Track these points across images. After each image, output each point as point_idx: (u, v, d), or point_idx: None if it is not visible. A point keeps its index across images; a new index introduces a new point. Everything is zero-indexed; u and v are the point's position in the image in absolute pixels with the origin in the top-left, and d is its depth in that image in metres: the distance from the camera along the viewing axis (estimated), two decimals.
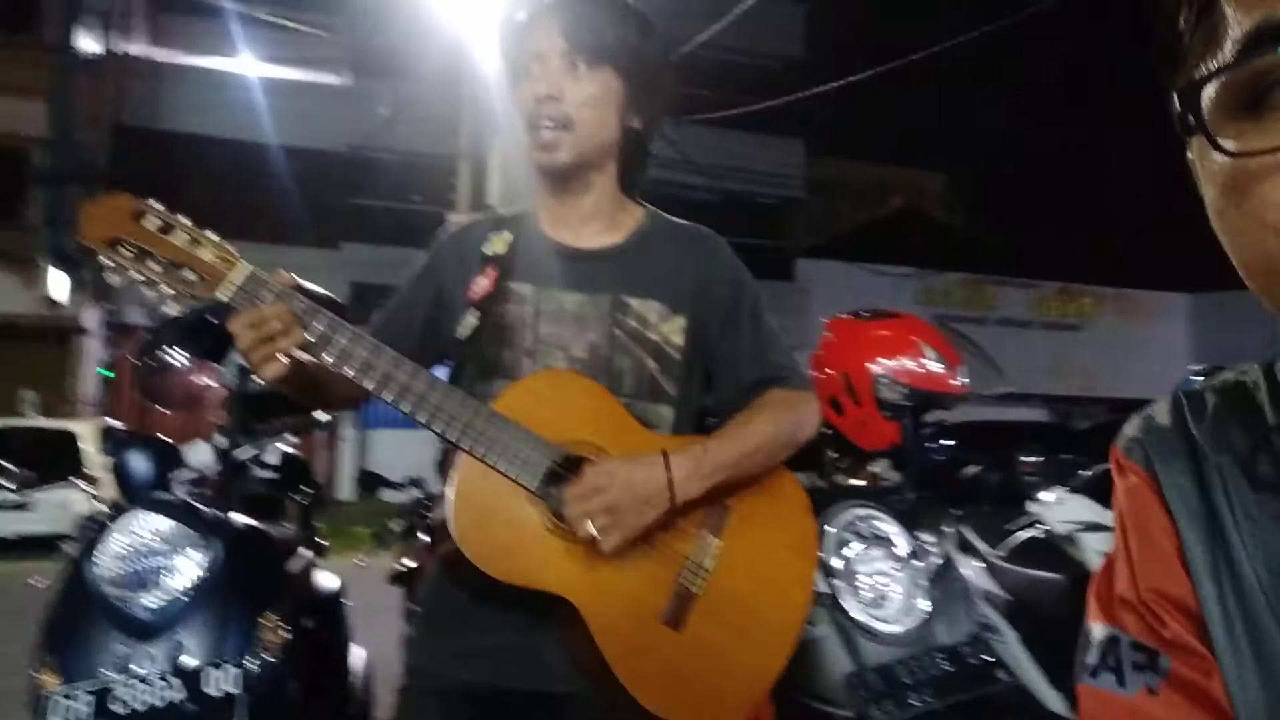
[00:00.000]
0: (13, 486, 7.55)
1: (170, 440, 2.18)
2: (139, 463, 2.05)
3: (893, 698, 1.78)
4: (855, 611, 1.90)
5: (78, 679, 1.68)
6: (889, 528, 1.98)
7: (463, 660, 1.33)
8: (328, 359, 1.24)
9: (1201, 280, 20.31)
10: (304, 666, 1.95)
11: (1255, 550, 0.52)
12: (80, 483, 8.77)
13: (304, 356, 1.25)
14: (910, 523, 2.02)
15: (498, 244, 1.44)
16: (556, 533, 1.27)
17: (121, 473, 2.05)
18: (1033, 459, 3.11)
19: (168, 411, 2.35)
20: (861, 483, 2.15)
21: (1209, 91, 0.46)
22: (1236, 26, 0.46)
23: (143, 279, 1.22)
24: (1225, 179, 0.47)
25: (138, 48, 15.53)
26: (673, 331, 1.41)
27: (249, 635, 1.81)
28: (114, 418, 10.99)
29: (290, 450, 2.77)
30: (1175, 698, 0.53)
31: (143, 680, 1.68)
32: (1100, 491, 2.87)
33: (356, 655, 2.80)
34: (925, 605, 1.93)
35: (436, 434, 1.26)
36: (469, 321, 1.39)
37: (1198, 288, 20.44)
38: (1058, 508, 2.75)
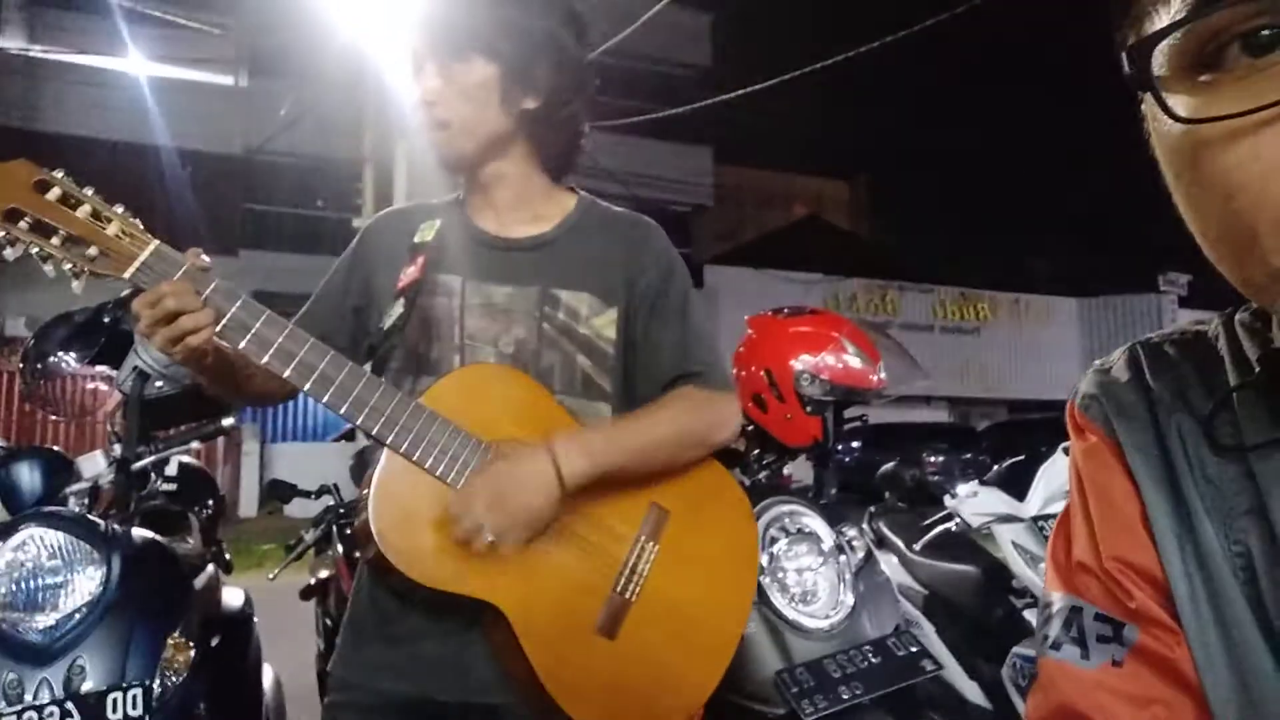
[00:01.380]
0: None
1: (61, 450, 2.04)
2: (26, 475, 1.91)
3: (822, 692, 1.78)
4: (783, 608, 1.90)
5: None
6: (814, 523, 1.99)
7: (390, 671, 1.27)
8: (241, 344, 1.16)
9: (1089, 285, 21.33)
10: (212, 687, 1.84)
11: (1216, 516, 0.51)
12: None
13: (216, 342, 1.17)
14: (834, 518, 2.04)
15: (426, 232, 1.39)
16: None
17: (6, 487, 1.91)
18: (938, 458, 3.17)
19: (58, 419, 2.20)
20: (785, 479, 2.16)
21: (1160, 49, 0.44)
22: None
23: (39, 253, 1.13)
24: (1178, 144, 0.45)
25: (12, 43, 14.71)
26: (604, 325, 1.36)
27: (153, 656, 1.70)
28: None
29: (192, 462, 2.63)
30: (1141, 670, 0.52)
31: (38, 710, 1.56)
32: (1011, 484, 2.96)
33: (266, 674, 2.68)
34: (850, 599, 1.95)
35: (358, 427, 1.19)
36: (394, 311, 1.34)
37: (1085, 292, 21.44)
38: (971, 501, 2.82)
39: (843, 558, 1.99)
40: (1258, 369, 0.52)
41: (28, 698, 1.57)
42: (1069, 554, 0.58)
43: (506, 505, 1.18)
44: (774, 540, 1.96)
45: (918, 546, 3.30)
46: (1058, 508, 2.67)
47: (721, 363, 1.44)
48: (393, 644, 1.28)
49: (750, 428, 2.18)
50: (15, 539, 1.72)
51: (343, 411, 1.18)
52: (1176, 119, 0.44)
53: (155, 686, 1.66)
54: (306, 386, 1.17)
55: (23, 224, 1.13)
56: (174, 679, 1.71)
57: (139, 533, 1.90)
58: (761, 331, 2.23)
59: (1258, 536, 0.49)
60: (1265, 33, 0.40)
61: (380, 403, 1.19)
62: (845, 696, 1.78)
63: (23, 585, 1.67)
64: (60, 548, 1.72)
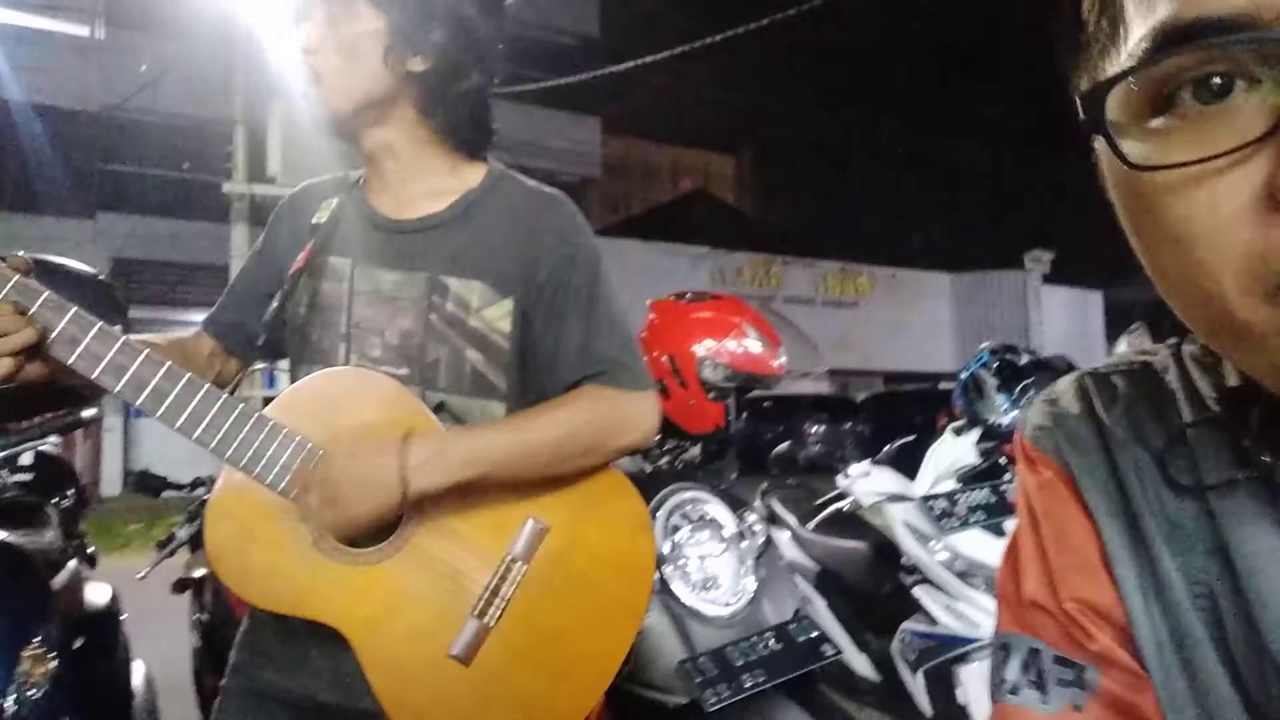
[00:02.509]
0: None
1: None
2: None
3: (725, 681, 1.77)
4: (685, 596, 1.88)
5: None
6: (715, 510, 1.98)
7: (279, 670, 1.22)
8: (71, 359, 1.04)
9: (961, 261, 22.24)
10: (78, 695, 1.71)
11: (1177, 557, 0.50)
12: None
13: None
14: (735, 503, 2.03)
15: (324, 212, 1.29)
16: (330, 554, 1.13)
17: None
18: (820, 429, 3.24)
19: None
20: (685, 466, 2.14)
21: (1114, 94, 0.43)
22: (1141, 23, 0.42)
23: None
24: (1132, 189, 0.44)
25: None
26: (498, 317, 1.23)
27: (7, 670, 1.56)
28: None
29: (48, 450, 2.44)
30: (1104, 715, 0.50)
31: None
32: (902, 463, 3.04)
33: (137, 671, 2.52)
34: (752, 585, 1.95)
35: (194, 441, 1.09)
36: (273, 302, 1.25)
37: (958, 267, 22.35)
38: (863, 480, 2.88)
39: (744, 544, 1.99)
40: (1216, 408, 0.51)
41: None
42: (1020, 591, 0.55)
43: (337, 502, 1.09)
44: (676, 528, 1.94)
45: (810, 524, 3.37)
46: (944, 487, 2.75)
47: (632, 358, 1.28)
48: (286, 643, 1.22)
49: None
50: None
51: (178, 426, 1.08)
52: (1131, 166, 0.42)
53: (10, 704, 1.53)
54: (139, 401, 1.06)
55: None
56: (33, 693, 1.57)
57: None
58: (664, 317, 2.20)
59: (1220, 577, 0.48)
60: (1217, 80, 0.39)
61: (208, 412, 1.09)
62: (748, 685, 1.78)
63: None
64: None
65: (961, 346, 20.97)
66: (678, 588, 1.89)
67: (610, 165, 21.35)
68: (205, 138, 11.68)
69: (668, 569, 1.90)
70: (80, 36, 13.10)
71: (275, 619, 1.21)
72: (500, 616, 1.16)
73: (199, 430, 1.08)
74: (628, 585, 1.24)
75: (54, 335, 1.03)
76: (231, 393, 1.22)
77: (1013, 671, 0.53)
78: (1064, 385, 0.59)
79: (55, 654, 1.65)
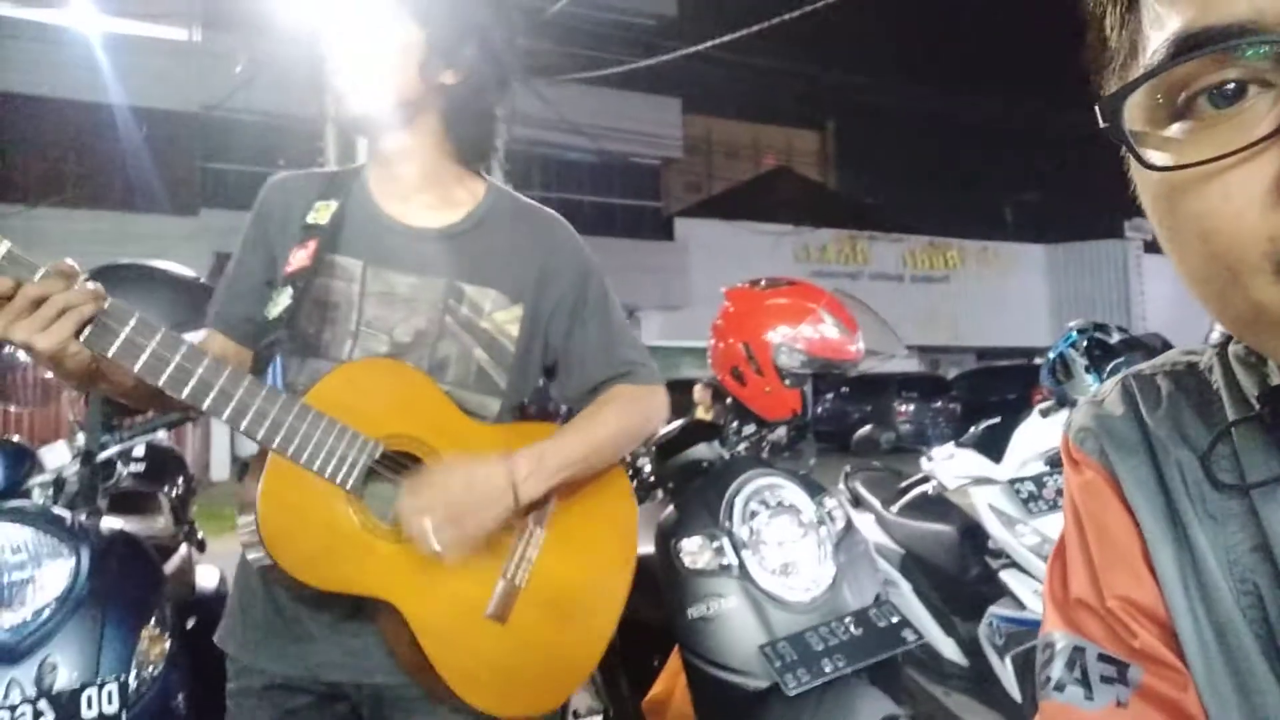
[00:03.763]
0: None
1: (23, 442, 1.99)
2: None
3: (805, 665, 1.78)
4: (764, 581, 1.89)
5: None
6: (794, 495, 1.98)
7: (275, 654, 1.28)
8: (111, 351, 1.07)
9: (1056, 232, 21.47)
10: (190, 675, 1.82)
11: (1221, 554, 0.50)
12: None
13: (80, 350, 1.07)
14: (813, 489, 2.03)
15: (322, 213, 1.32)
16: (375, 533, 1.21)
17: None
18: (910, 407, 3.21)
19: (18, 409, 2.14)
20: (764, 452, 2.15)
21: (1135, 100, 0.45)
22: (1159, 33, 0.44)
23: None
24: (1156, 191, 0.46)
25: None
26: (508, 321, 1.35)
27: (128, 649, 1.67)
28: None
29: (160, 442, 2.59)
30: (1147, 711, 0.51)
31: (9, 711, 1.54)
32: (986, 446, 2.98)
33: None
34: (831, 571, 1.95)
35: (242, 433, 1.14)
36: (281, 299, 1.28)
37: (1052, 239, 21.59)
38: (948, 463, 2.84)
39: (823, 529, 1.99)
40: (1258, 405, 0.51)
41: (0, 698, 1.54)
42: (1067, 590, 0.57)
43: (463, 521, 1.19)
44: (754, 514, 1.95)
45: (895, 507, 3.34)
46: (1031, 470, 2.70)
47: (646, 358, 1.47)
48: (283, 631, 1.28)
49: (729, 401, 2.17)
50: None
51: (225, 418, 1.13)
52: (1150, 167, 0.45)
53: (131, 681, 1.64)
54: (184, 394, 1.10)
55: None
56: (150, 671, 1.68)
57: (107, 523, 1.86)
58: (739, 304, 2.21)
59: (1265, 574, 0.49)
60: (1230, 85, 0.42)
61: (264, 406, 1.14)
62: (828, 669, 1.78)
63: None
64: (26, 543, 1.68)
65: (1058, 320, 20.30)
66: (756, 573, 1.90)
67: (691, 145, 21.25)
68: (298, 134, 12.06)
69: (746, 554, 1.92)
70: (178, 40, 13.66)
71: (273, 610, 1.28)
72: (527, 577, 1.29)
73: (246, 421, 1.13)
74: (621, 542, 1.43)
75: (117, 342, 1.06)
76: None
77: (1058, 669, 0.55)
78: (1109, 387, 0.60)
79: (169, 635, 1.77)
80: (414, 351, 1.29)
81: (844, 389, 15.48)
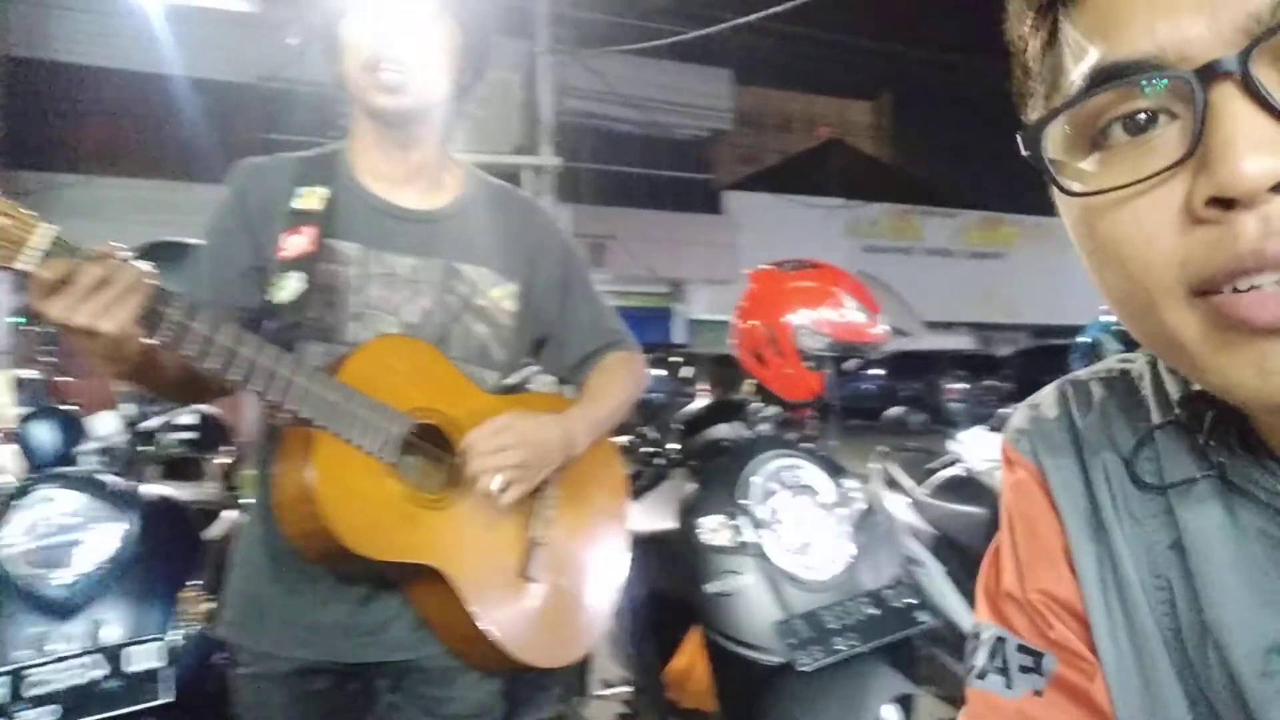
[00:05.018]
0: None
1: (75, 411, 2.09)
2: (44, 436, 1.96)
3: (819, 643, 1.82)
4: (781, 560, 1.93)
5: None
6: (813, 476, 2.01)
7: (289, 638, 1.32)
8: (156, 334, 1.09)
9: None
10: None
11: (1138, 552, 0.53)
12: None
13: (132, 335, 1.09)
14: (834, 470, 2.06)
15: (310, 199, 1.34)
16: (416, 503, 1.27)
17: (27, 446, 1.97)
18: (958, 385, 3.20)
19: (71, 379, 2.25)
20: (785, 433, 2.18)
21: (1055, 130, 0.47)
22: (1074, 65, 0.46)
23: None
24: (1076, 216, 0.48)
25: None
26: (503, 297, 1.43)
27: (170, 608, 1.77)
28: (28, 368, 10.56)
29: (208, 411, 2.69)
30: (1059, 699, 0.55)
31: (61, 660, 1.64)
32: None
33: None
34: (850, 551, 1.98)
35: (289, 412, 1.19)
36: (291, 284, 1.30)
37: None
38: (977, 445, 2.84)
39: (841, 509, 2.01)
40: (1177, 410, 0.54)
41: (50, 648, 1.65)
42: (999, 583, 0.60)
43: (527, 466, 1.30)
44: (772, 493, 1.98)
45: (927, 488, 3.34)
46: None
47: (624, 325, 1.59)
48: (297, 614, 1.32)
49: (751, 382, 2.20)
50: (34, 497, 1.78)
51: (272, 396, 1.17)
52: (1067, 193, 0.47)
53: (173, 638, 1.74)
54: (231, 374, 1.14)
55: None
56: (191, 630, 1.78)
57: (152, 489, 1.96)
58: (761, 285, 2.23)
59: (1178, 570, 0.52)
60: (1141, 115, 0.44)
61: (306, 384, 1.19)
62: (840, 648, 1.82)
63: (42, 543, 1.74)
64: (77, 507, 1.78)
65: None
66: (773, 551, 1.94)
67: (743, 117, 21.03)
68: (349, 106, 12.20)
69: (764, 533, 1.95)
70: (237, 12, 13.87)
71: (282, 593, 1.32)
72: (549, 535, 1.39)
73: (287, 398, 1.18)
74: (617, 500, 1.57)
75: (166, 324, 1.09)
76: None
77: (981, 658, 0.59)
78: (1046, 392, 0.63)
79: (211, 595, 1.86)
80: (422, 330, 1.35)
81: (889, 367, 15.32)
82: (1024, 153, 0.48)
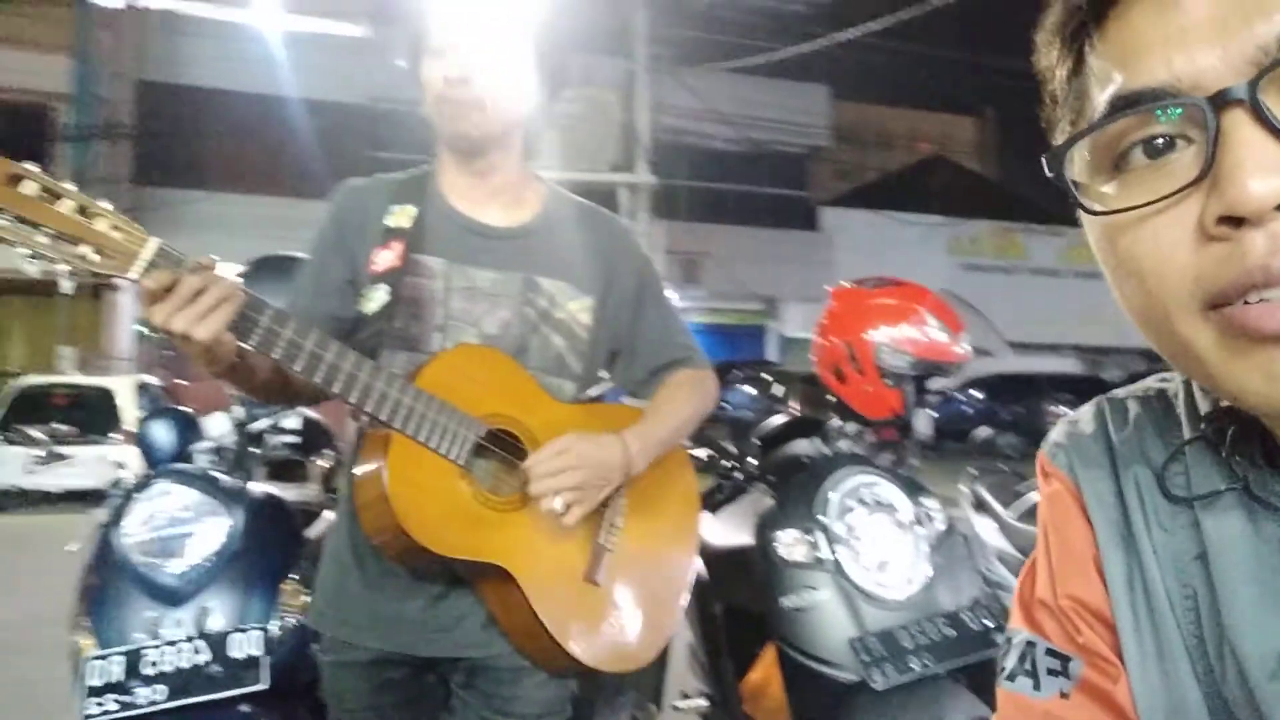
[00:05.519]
0: (49, 442, 7.75)
1: (191, 412, 2.24)
2: (162, 434, 2.12)
3: (893, 661, 1.82)
4: (857, 577, 1.93)
5: (111, 643, 1.76)
6: (891, 494, 2.00)
7: (370, 629, 1.39)
8: (250, 339, 1.19)
9: None
10: None
11: (1165, 561, 0.55)
12: (119, 439, 8.96)
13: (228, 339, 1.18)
14: (914, 489, 2.05)
15: (400, 217, 1.42)
16: (486, 504, 1.33)
17: (147, 444, 2.13)
18: (1062, 410, 3.11)
19: (187, 384, 2.40)
20: (864, 450, 2.17)
21: (1080, 154, 0.51)
22: (1097, 93, 0.50)
23: (30, 253, 1.08)
24: (1098, 235, 0.52)
25: (158, 1, 15.45)
26: (580, 311, 1.48)
27: (271, 600, 1.88)
28: (150, 374, 11.21)
29: (312, 415, 2.83)
30: (1085, 701, 0.57)
31: (171, 644, 1.76)
32: None
33: None
34: (928, 571, 1.96)
35: (367, 413, 1.27)
36: (377, 296, 1.39)
37: None
38: None
39: (920, 529, 2.00)
40: (1203, 425, 0.56)
41: (162, 632, 1.77)
42: (1032, 592, 0.63)
43: (587, 488, 1.34)
44: (850, 509, 1.98)
45: (1015, 511, 3.27)
46: None
47: (696, 342, 1.63)
48: (377, 607, 1.40)
49: (831, 399, 2.21)
50: (152, 491, 1.92)
51: (352, 399, 1.25)
52: (1090, 212, 0.51)
53: (272, 628, 1.84)
54: (316, 377, 1.23)
55: (1, 220, 1.06)
56: (289, 621, 1.88)
57: (258, 488, 2.08)
58: (843, 303, 2.23)
59: (1202, 579, 0.54)
60: (1159, 140, 0.47)
61: (385, 389, 1.26)
62: (915, 667, 1.81)
63: (158, 534, 1.87)
64: (190, 502, 1.91)
65: None
66: (850, 567, 1.94)
67: (842, 133, 20.81)
68: None
69: (840, 549, 1.96)
70: (350, 36, 14.47)
71: (366, 586, 1.40)
72: (615, 542, 1.43)
73: (371, 402, 1.26)
74: (688, 510, 1.60)
75: (258, 330, 1.19)
76: None
77: (1011, 661, 0.61)
78: (1085, 409, 0.65)
79: (308, 590, 1.97)
80: (501, 341, 1.41)
81: (987, 389, 14.91)
82: (1048, 174, 0.52)
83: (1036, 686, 0.59)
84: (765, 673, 2.18)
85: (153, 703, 1.69)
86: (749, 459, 2.33)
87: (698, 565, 2.49)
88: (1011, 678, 0.61)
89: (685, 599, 1.56)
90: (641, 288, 1.55)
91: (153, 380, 10.70)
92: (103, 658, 1.72)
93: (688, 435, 1.58)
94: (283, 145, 14.33)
